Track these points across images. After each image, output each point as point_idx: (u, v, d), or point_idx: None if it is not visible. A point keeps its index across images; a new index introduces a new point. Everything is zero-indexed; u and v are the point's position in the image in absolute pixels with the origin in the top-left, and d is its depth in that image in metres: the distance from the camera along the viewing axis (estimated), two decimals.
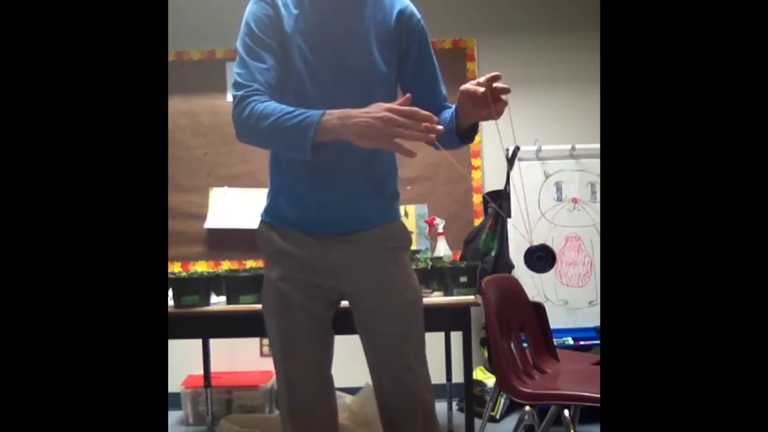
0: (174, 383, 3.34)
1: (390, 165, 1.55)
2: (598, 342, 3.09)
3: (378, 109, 1.25)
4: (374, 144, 1.25)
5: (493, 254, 3.30)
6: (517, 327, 2.21)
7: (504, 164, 3.44)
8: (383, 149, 1.34)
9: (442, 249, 2.69)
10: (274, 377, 3.55)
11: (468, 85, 1.34)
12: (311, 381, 1.52)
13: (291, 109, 1.33)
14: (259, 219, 1.60)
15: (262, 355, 3.68)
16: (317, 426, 1.53)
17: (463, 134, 1.48)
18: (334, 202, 1.48)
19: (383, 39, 1.49)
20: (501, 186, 3.45)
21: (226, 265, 3.61)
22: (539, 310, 2.33)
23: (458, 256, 3.36)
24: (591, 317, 3.36)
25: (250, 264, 3.61)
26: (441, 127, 1.25)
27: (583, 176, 3.47)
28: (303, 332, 1.51)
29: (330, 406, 1.56)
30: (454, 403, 3.30)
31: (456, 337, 2.55)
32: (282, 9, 1.47)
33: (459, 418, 3.13)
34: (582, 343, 3.14)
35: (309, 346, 1.52)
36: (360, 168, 1.47)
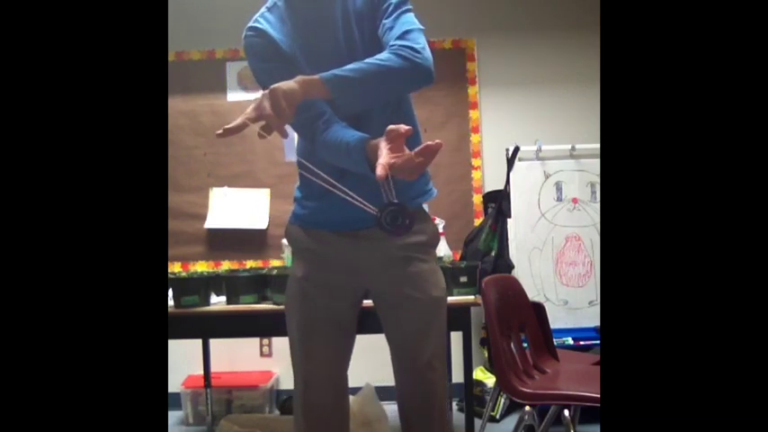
0: (174, 383, 3.35)
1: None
2: (598, 342, 3.09)
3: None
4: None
5: (493, 254, 3.30)
6: (517, 327, 2.21)
7: (504, 164, 3.44)
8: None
9: (442, 249, 2.69)
10: (274, 377, 3.58)
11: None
12: (327, 381, 1.52)
13: (340, 141, 1.36)
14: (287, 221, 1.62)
15: (262, 355, 3.68)
16: (330, 426, 1.53)
17: None
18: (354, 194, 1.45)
19: (365, 24, 1.46)
20: (501, 186, 3.46)
21: (226, 265, 3.61)
22: (539, 310, 2.33)
23: (458, 256, 3.36)
24: (591, 317, 3.37)
25: (250, 264, 3.62)
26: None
27: (583, 176, 3.47)
28: (324, 333, 1.51)
29: (343, 407, 1.57)
30: (454, 403, 3.30)
31: (456, 337, 2.55)
32: (273, 33, 1.47)
33: (459, 418, 3.13)
34: (582, 343, 3.14)
35: (329, 347, 1.52)
36: None
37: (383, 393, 2.91)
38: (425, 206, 1.60)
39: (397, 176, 1.23)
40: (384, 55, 1.35)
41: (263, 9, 1.51)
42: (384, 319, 1.54)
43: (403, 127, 1.22)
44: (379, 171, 1.19)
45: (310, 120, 1.42)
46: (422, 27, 1.42)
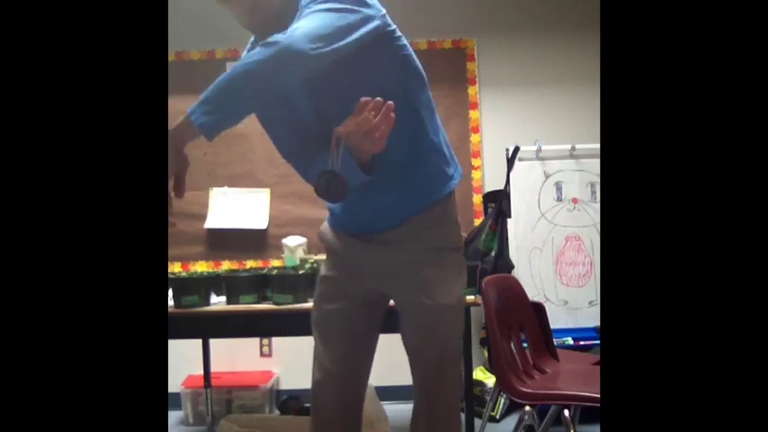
0: (174, 383, 3.34)
1: (411, 154, 1.44)
2: (598, 342, 3.09)
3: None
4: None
5: (493, 254, 3.30)
6: (517, 327, 2.21)
7: (504, 164, 3.44)
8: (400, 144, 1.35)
9: None
10: (274, 377, 3.58)
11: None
12: (336, 381, 1.51)
13: None
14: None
15: (262, 355, 3.68)
16: (336, 426, 1.53)
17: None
18: (362, 199, 1.44)
19: None
20: (501, 186, 3.46)
21: (226, 265, 3.61)
22: (539, 310, 2.33)
23: None
24: (591, 317, 3.37)
25: (250, 264, 3.61)
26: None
27: (583, 176, 3.47)
28: (335, 332, 1.52)
29: (352, 407, 1.55)
30: None
31: None
32: None
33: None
34: (582, 343, 3.14)
35: (340, 347, 1.52)
36: (376, 164, 1.38)
37: (383, 393, 2.92)
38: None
39: (361, 147, 1.24)
40: (254, 50, 1.24)
41: (248, 45, 1.51)
42: (400, 323, 1.54)
43: (365, 99, 1.23)
44: (339, 128, 1.23)
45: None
46: (325, 8, 1.29)
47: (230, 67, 1.28)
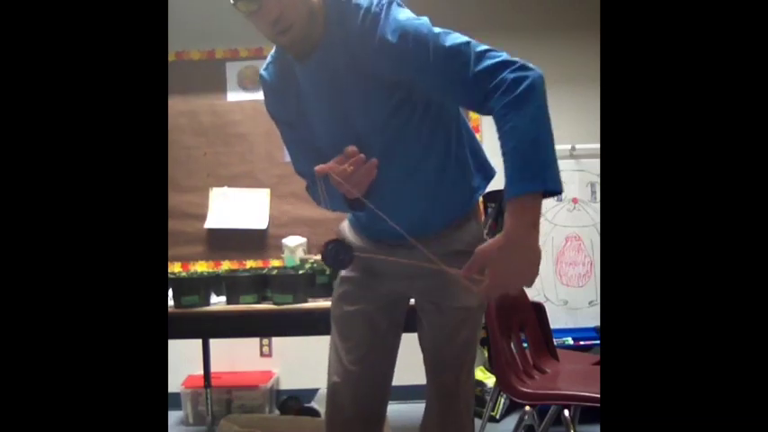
0: (174, 383, 3.35)
1: (445, 168, 1.44)
2: (598, 342, 3.09)
3: None
4: None
5: None
6: (517, 327, 2.21)
7: None
8: (432, 158, 1.36)
9: None
10: (274, 377, 3.58)
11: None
12: (358, 380, 1.49)
13: None
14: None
15: (262, 355, 3.68)
16: (355, 427, 1.50)
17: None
18: (386, 212, 1.45)
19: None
20: (501, 186, 3.44)
21: (226, 265, 3.61)
22: (539, 310, 2.33)
23: None
24: (591, 317, 3.37)
25: (250, 264, 3.61)
26: None
27: (583, 176, 3.47)
28: (358, 331, 1.50)
29: (366, 409, 1.51)
30: None
31: None
32: (271, 97, 1.47)
33: None
34: (582, 343, 3.14)
35: (361, 346, 1.50)
36: (406, 178, 1.39)
37: None
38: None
39: (337, 188, 1.24)
40: (504, 113, 1.34)
41: (269, 57, 1.47)
42: (419, 325, 1.53)
43: (351, 148, 1.24)
44: (319, 167, 1.23)
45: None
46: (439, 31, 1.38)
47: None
